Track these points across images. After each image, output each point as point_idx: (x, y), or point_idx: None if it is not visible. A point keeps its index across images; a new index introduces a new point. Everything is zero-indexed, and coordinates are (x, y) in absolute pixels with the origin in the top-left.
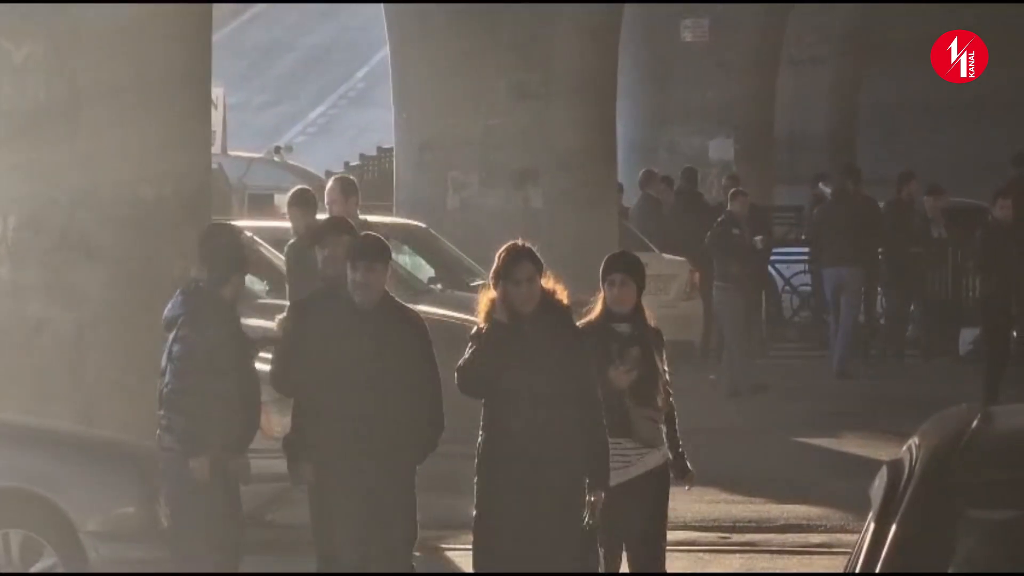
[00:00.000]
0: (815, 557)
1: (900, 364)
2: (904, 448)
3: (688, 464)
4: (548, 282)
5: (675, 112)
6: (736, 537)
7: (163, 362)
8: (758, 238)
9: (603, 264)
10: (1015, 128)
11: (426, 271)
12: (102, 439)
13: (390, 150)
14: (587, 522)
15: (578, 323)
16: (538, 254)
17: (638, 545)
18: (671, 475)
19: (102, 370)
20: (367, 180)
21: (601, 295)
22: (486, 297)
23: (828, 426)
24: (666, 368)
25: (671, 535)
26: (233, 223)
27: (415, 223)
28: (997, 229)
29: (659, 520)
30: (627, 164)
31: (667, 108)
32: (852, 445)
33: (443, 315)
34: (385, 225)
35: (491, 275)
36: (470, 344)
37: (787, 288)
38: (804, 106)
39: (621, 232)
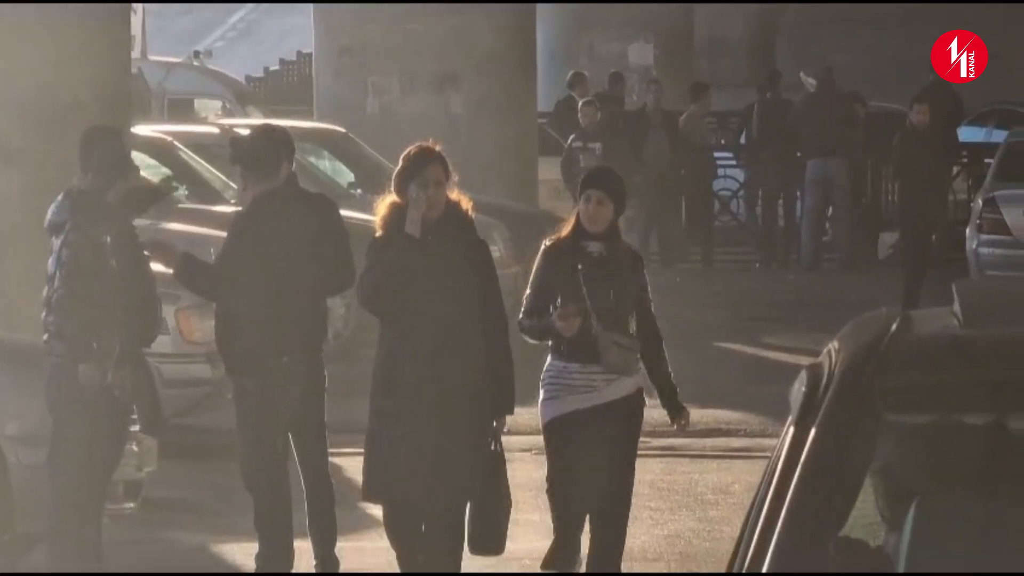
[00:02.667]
0: (735, 461)
1: (820, 269)
2: (823, 352)
3: (680, 403)
4: (453, 192)
5: (595, 18)
6: (656, 442)
7: (51, 267)
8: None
9: (582, 179)
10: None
11: (346, 176)
12: (23, 343)
13: (310, 55)
14: (493, 448)
15: (548, 240)
16: (448, 160)
17: (604, 473)
18: (644, 405)
19: (23, 275)
20: (287, 85)
21: (575, 211)
22: (387, 202)
23: (748, 331)
24: (649, 294)
25: None
26: (114, 127)
27: (335, 128)
28: (914, 134)
29: (628, 448)
30: (547, 70)
31: (587, 14)
32: (772, 350)
33: (363, 220)
34: (305, 130)
35: (394, 177)
36: (368, 255)
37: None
38: (723, 12)
39: (540, 137)
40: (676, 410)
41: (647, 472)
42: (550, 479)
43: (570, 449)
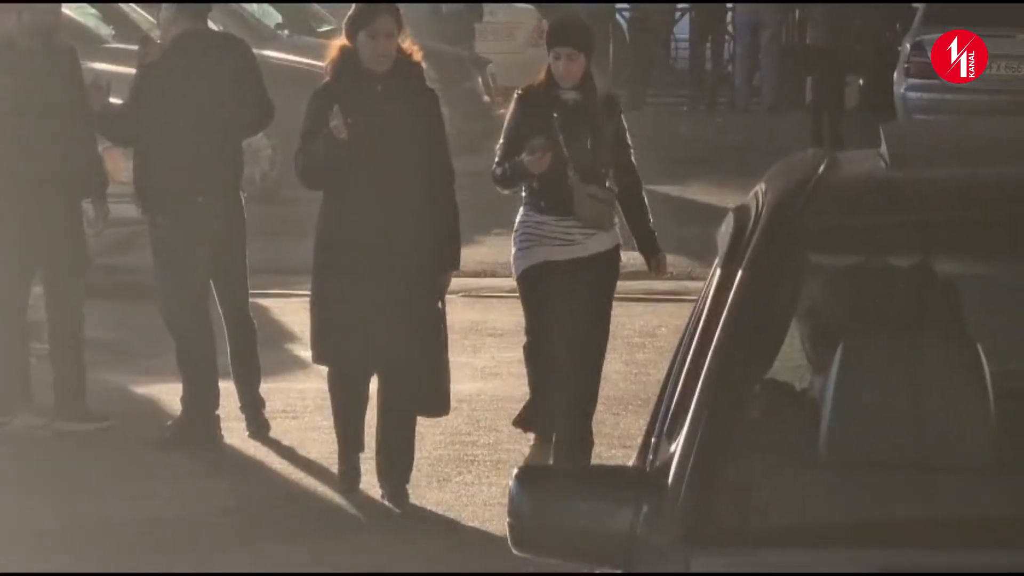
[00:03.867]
0: (661, 304)
1: (748, 112)
2: (751, 194)
3: (658, 246)
4: (405, 42)
5: None
6: None
7: None
8: None
9: (548, 31)
10: None
11: (273, 17)
12: None
13: None
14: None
15: (520, 88)
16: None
17: (577, 322)
18: (620, 260)
19: None
20: None
21: (546, 64)
22: (337, 45)
23: (675, 174)
24: (628, 139)
25: (505, 283)
26: None
27: None
28: None
29: (602, 300)
30: None
31: None
32: (699, 192)
33: (290, 60)
34: None
35: (345, 23)
36: (309, 111)
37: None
38: None
39: None
40: (652, 252)
41: None
42: (530, 333)
43: (548, 301)
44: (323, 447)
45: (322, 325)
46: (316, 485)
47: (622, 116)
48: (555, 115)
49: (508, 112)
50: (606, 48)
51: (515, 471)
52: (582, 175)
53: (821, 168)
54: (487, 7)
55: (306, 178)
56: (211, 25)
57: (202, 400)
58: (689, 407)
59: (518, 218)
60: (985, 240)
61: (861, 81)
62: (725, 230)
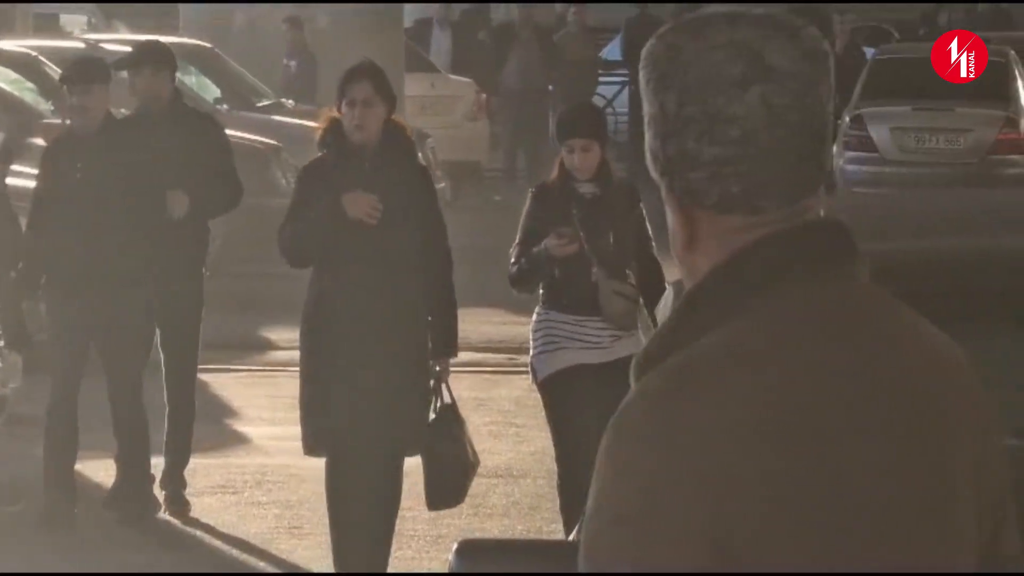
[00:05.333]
0: None
1: None
2: None
3: None
4: (393, 115)
5: None
6: (523, 358)
7: None
8: None
9: (557, 123)
10: None
11: (212, 91)
12: None
13: None
14: (437, 403)
15: (533, 186)
16: (387, 78)
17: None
18: None
19: None
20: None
21: (559, 158)
22: (327, 115)
23: None
24: (649, 231)
25: (460, 356)
26: None
27: (201, 43)
28: None
29: None
30: None
31: None
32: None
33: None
34: (171, 45)
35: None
36: (300, 182)
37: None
38: None
39: (407, 52)
40: None
41: (513, 389)
42: (561, 461)
43: (578, 414)
44: (261, 524)
45: (316, 411)
46: (254, 562)
47: (642, 205)
48: (574, 211)
49: (523, 212)
50: (546, 123)
51: (455, 545)
52: (607, 271)
53: None
54: (428, 79)
55: (291, 255)
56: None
57: (134, 481)
58: None
59: (535, 317)
60: (923, 312)
61: None
62: (664, 306)
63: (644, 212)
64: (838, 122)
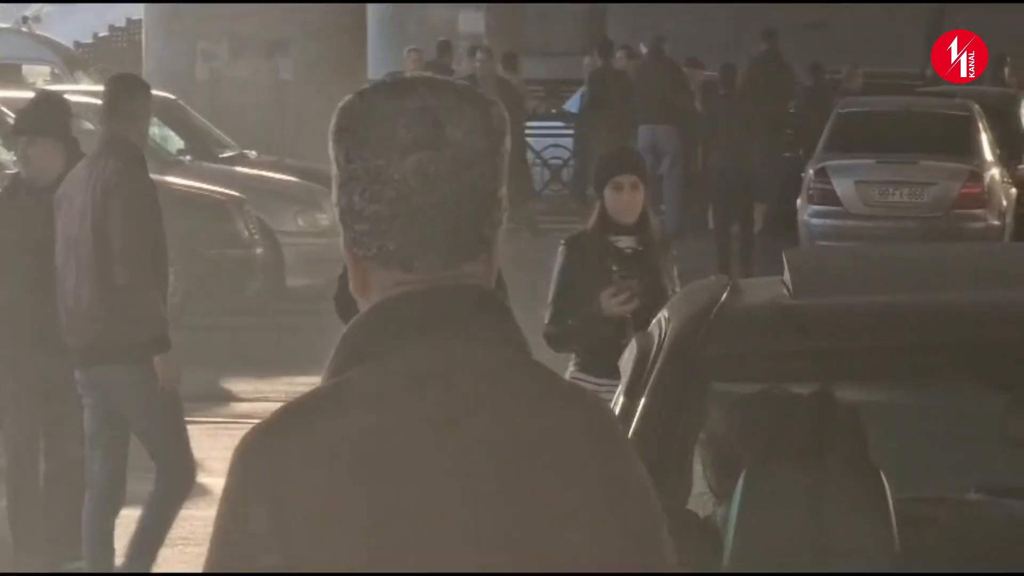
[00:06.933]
0: None
1: None
2: (654, 321)
3: None
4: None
5: None
6: None
7: None
8: None
9: (600, 163)
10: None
11: (175, 143)
12: None
13: (140, 21)
14: None
15: (565, 238)
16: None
17: None
18: None
19: None
20: (116, 51)
21: (597, 205)
22: None
23: None
24: (677, 285)
25: None
26: None
27: (164, 94)
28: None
29: None
30: (377, 37)
31: None
32: None
33: (192, 187)
34: None
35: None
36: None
37: (538, 161)
38: None
39: None
40: None
41: None
42: None
43: None
44: None
45: None
46: None
47: (674, 253)
48: (615, 268)
49: (556, 266)
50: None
51: None
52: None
53: (723, 296)
54: None
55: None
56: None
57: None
58: None
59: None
60: (887, 367)
61: (765, 207)
62: (628, 357)
63: (675, 260)
64: (802, 175)
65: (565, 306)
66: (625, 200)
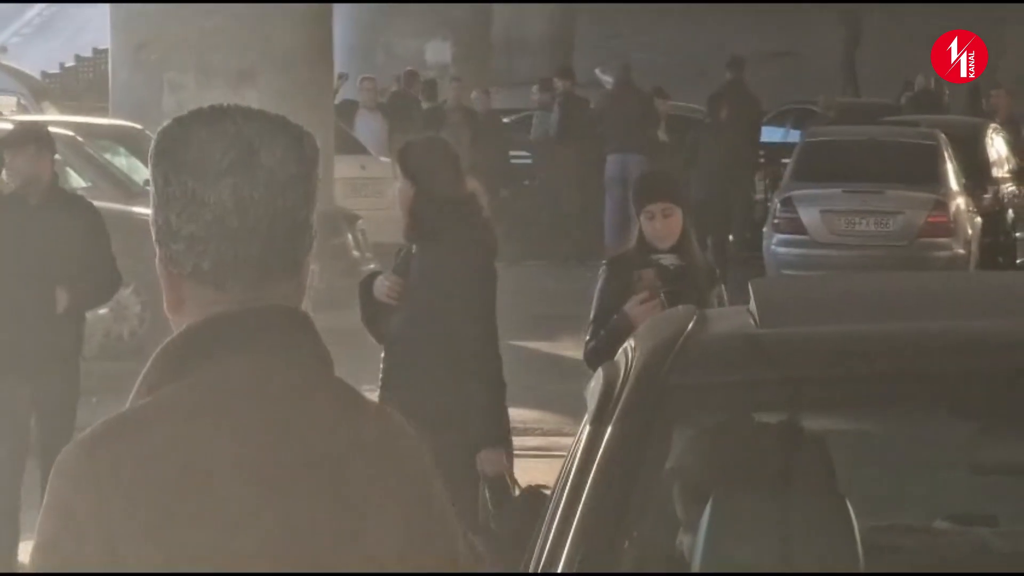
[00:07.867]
0: (531, 460)
1: None
2: (620, 350)
3: None
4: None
5: (392, 15)
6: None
7: None
8: None
9: (635, 190)
10: (732, 32)
11: (142, 173)
12: None
13: (106, 51)
14: (491, 502)
15: (607, 259)
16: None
17: None
18: None
19: None
20: (83, 81)
21: (636, 229)
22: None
23: (543, 329)
24: None
25: None
26: None
27: (131, 125)
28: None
29: None
30: (344, 67)
31: (383, 10)
32: (568, 348)
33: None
34: (101, 127)
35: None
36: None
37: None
38: (521, 9)
39: (336, 134)
40: None
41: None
42: None
43: None
44: None
45: None
46: None
47: (723, 287)
48: (657, 283)
49: (596, 288)
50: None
51: None
52: None
53: (690, 325)
54: (358, 160)
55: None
56: (76, 181)
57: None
58: (558, 566)
59: None
60: (853, 396)
61: (731, 237)
62: (595, 386)
63: (724, 295)
64: (768, 204)
65: (604, 324)
66: (658, 228)
